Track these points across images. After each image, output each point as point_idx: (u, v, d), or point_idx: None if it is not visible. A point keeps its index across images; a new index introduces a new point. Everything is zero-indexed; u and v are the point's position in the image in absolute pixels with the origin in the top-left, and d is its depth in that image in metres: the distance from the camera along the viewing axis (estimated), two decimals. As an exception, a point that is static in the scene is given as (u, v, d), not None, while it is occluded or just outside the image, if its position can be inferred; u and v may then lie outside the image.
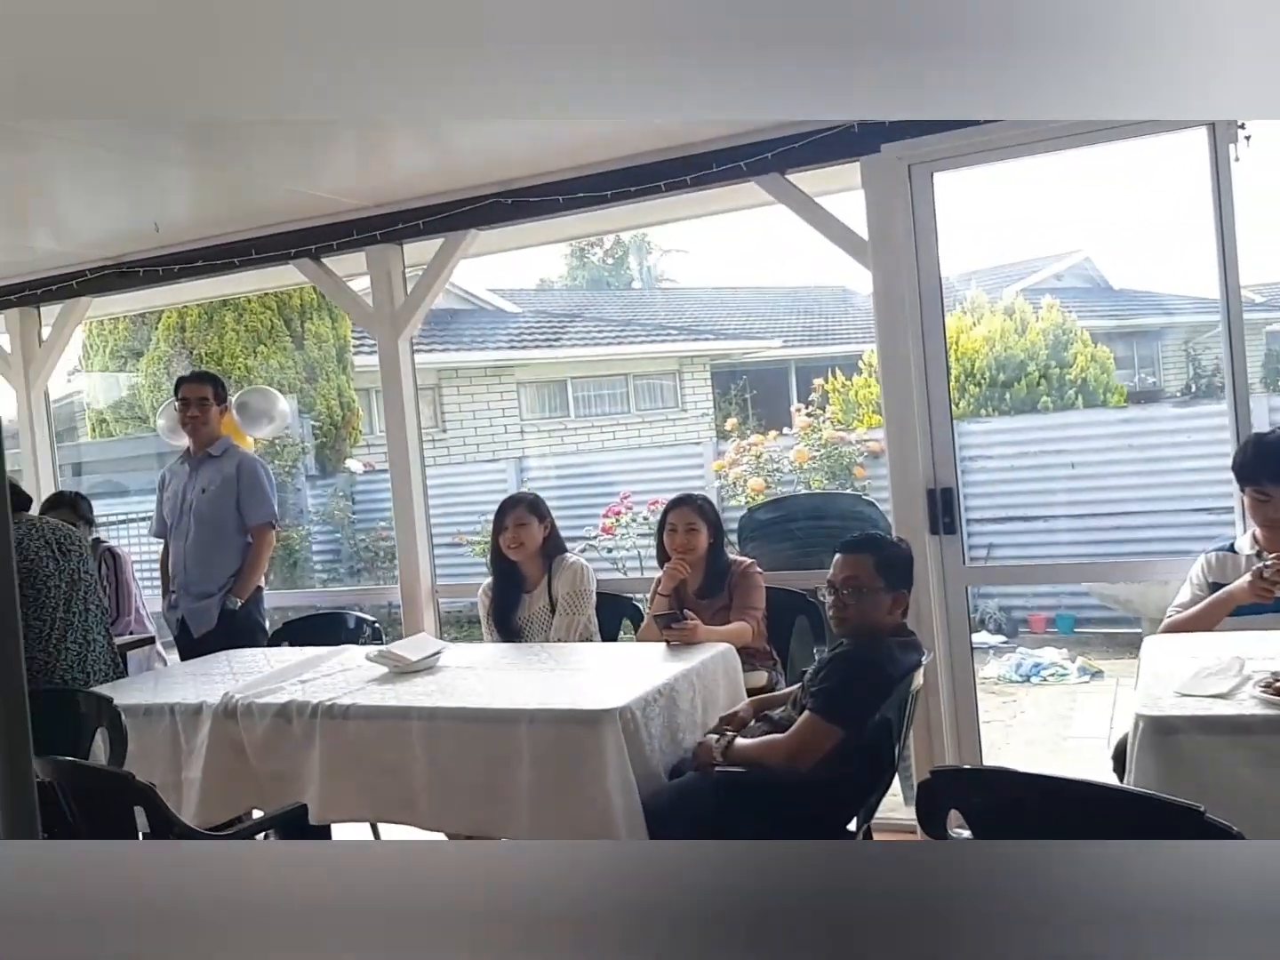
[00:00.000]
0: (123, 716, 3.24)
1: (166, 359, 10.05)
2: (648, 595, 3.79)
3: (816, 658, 3.68)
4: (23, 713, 0.93)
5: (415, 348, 4.62)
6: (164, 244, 4.68)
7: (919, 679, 2.77)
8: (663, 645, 3.37)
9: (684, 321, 15.53)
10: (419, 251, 4.46)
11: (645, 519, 7.41)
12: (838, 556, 2.79)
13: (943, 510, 3.59)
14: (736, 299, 17.67)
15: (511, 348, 13.05)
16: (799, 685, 2.86)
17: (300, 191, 4.15)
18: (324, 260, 4.53)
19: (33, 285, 4.99)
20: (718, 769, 2.68)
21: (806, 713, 2.62)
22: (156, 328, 10.12)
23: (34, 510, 4.78)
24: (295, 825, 2.74)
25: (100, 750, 3.27)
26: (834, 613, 2.78)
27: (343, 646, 3.89)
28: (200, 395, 4.39)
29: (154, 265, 4.73)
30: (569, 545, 4.01)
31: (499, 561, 3.88)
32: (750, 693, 3.34)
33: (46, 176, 3.82)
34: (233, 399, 5.00)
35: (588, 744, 2.68)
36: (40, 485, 5.15)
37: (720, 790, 2.65)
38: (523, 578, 3.86)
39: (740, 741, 2.71)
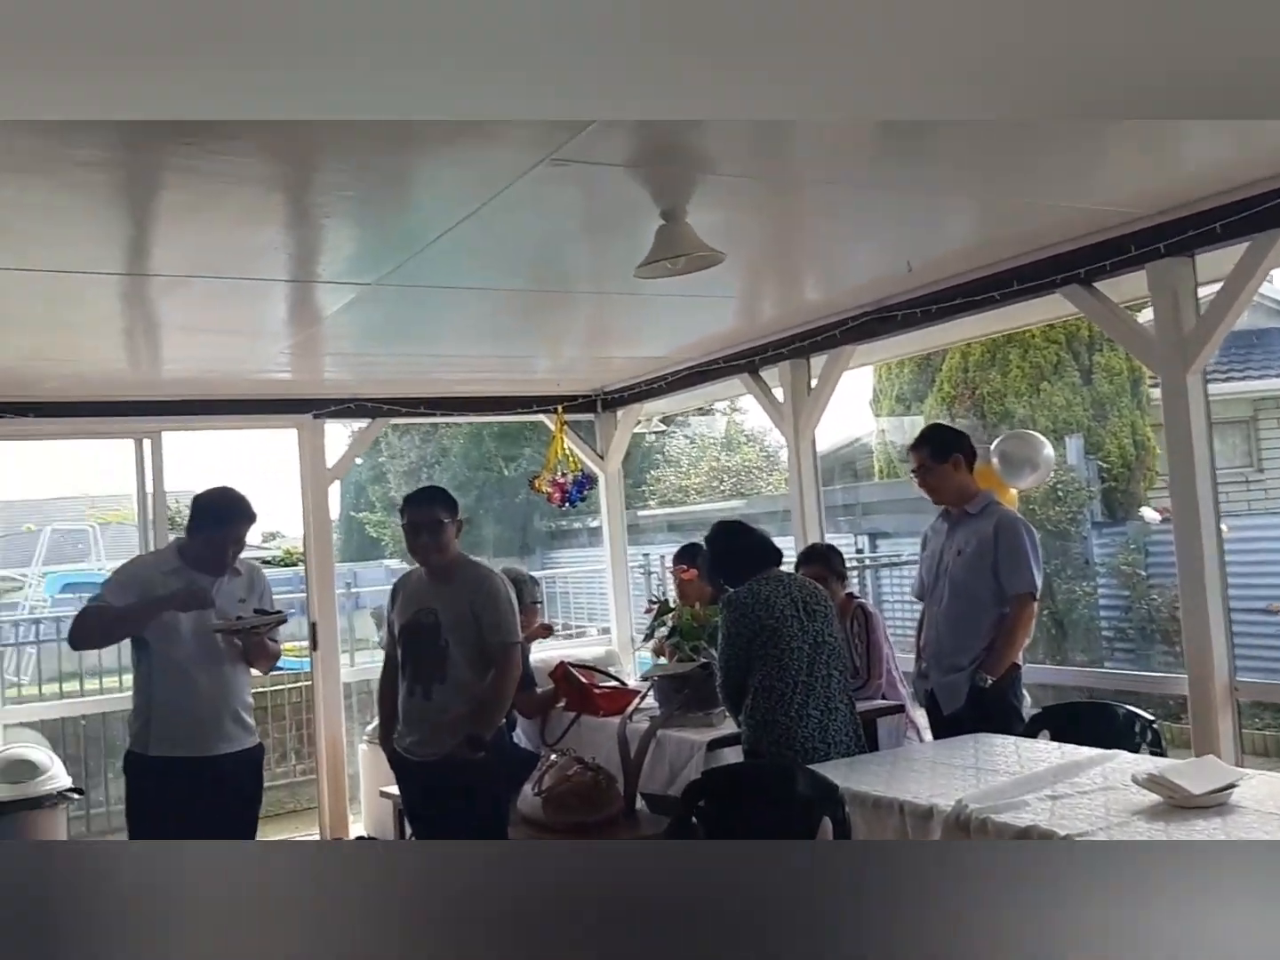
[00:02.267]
0: (846, 808, 2.94)
1: (949, 399, 9.96)
2: None
3: None
4: None
5: (1222, 375, 3.71)
6: (922, 284, 4.40)
7: None
8: None
9: None
10: (1214, 265, 3.58)
11: None
12: None
13: None
14: None
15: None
16: None
17: (1068, 207, 3.55)
18: (1095, 285, 3.86)
19: (800, 337, 5.06)
20: None
21: None
22: (940, 369, 10.10)
23: (789, 562, 4.84)
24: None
25: (826, 838, 3.01)
26: None
27: (1111, 752, 3.18)
28: (920, 463, 4.03)
29: (911, 308, 4.47)
30: None
31: None
32: None
33: (814, 224, 3.75)
34: (992, 446, 4.53)
35: None
36: (806, 533, 5.19)
37: None
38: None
39: None
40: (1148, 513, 8.47)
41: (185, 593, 3.45)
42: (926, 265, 4.16)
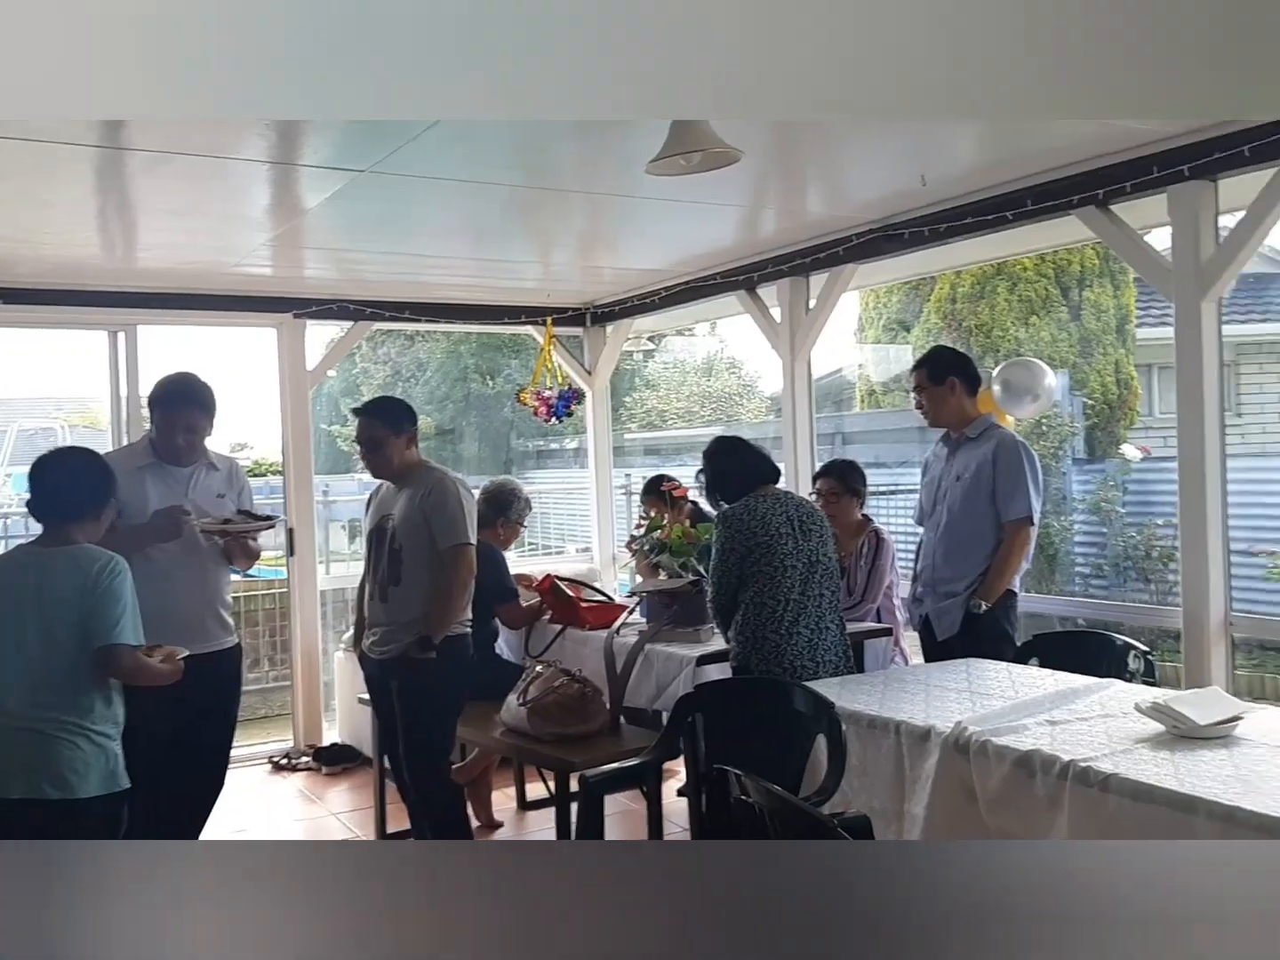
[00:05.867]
0: (843, 726, 2.90)
1: (936, 331, 9.87)
2: None
3: None
4: None
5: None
6: (932, 202, 4.27)
7: None
8: None
9: None
10: (1238, 193, 3.48)
11: None
12: None
13: None
14: None
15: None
16: None
17: (1089, 124, 3.42)
18: (1113, 208, 3.75)
19: (803, 253, 4.93)
20: None
21: None
22: (929, 299, 9.99)
23: (805, 476, 4.79)
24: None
25: (820, 756, 2.98)
26: None
27: (1105, 680, 3.15)
28: (917, 383, 3.93)
29: (920, 225, 4.35)
30: None
31: None
32: None
33: (825, 135, 3.59)
34: (994, 373, 4.45)
35: None
36: (798, 455, 5.12)
37: None
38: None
39: None
40: (1129, 450, 8.46)
41: (156, 527, 3.37)
42: (940, 182, 4.03)
